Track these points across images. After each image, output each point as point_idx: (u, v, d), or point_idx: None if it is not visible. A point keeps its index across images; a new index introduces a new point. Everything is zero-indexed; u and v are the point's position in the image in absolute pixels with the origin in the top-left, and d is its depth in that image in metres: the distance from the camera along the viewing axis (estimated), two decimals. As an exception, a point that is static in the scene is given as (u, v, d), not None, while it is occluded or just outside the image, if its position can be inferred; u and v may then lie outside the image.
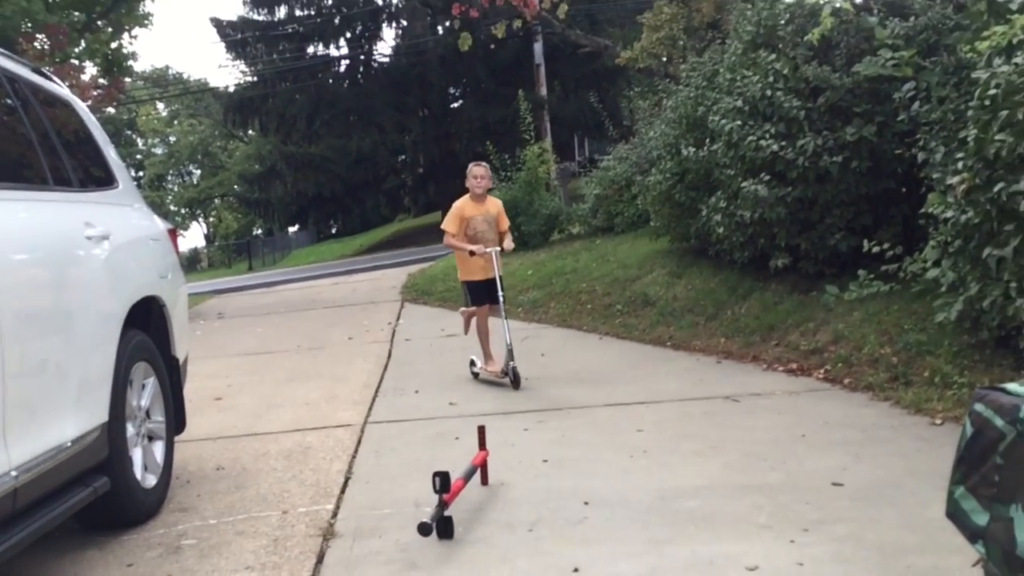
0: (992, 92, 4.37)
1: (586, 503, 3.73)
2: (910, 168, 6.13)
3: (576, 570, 3.06)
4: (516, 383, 6.18)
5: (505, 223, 6.69)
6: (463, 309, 7.17)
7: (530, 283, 10.60)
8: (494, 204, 6.71)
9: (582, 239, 12.69)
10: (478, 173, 6.53)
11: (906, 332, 5.69)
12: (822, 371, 5.92)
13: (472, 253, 6.38)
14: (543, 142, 16.08)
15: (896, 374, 5.37)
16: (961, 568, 2.82)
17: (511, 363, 6.21)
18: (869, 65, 5.98)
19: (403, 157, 33.93)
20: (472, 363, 6.79)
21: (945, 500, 2.20)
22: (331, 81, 30.80)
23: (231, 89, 32.91)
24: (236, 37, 29.86)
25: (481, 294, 6.60)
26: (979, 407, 2.17)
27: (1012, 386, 2.25)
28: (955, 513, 2.18)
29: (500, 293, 6.45)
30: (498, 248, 6.45)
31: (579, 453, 4.52)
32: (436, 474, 3.45)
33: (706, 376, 6.25)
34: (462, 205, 6.56)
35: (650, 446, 4.55)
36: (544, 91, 24.51)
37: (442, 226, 6.62)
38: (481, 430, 4.15)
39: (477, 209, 6.54)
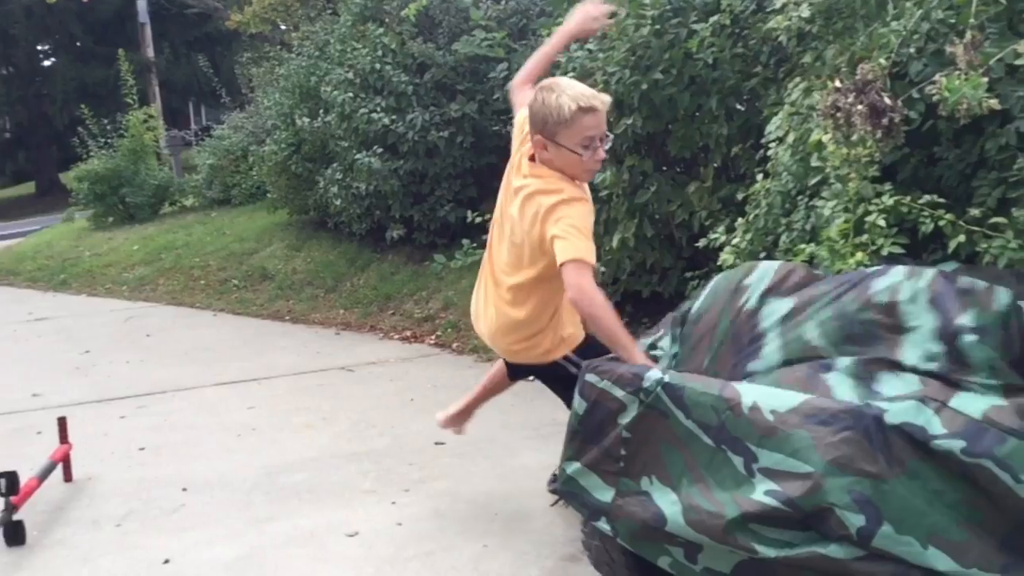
0: (571, 75, 4.78)
1: (184, 489, 3.51)
2: (508, 143, 6.56)
3: (167, 561, 2.87)
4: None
5: None
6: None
7: (136, 259, 9.80)
8: None
9: (196, 212, 11.98)
10: None
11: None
12: (433, 337, 6.16)
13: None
14: (150, 107, 14.83)
15: (497, 336, 5.73)
16: (543, 510, 3.07)
17: None
18: (466, 44, 6.28)
19: (-16, 121, 29.59)
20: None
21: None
22: None
23: None
24: None
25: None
26: (592, 378, 2.12)
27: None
28: (572, 491, 2.12)
29: None
30: None
31: (181, 437, 4.25)
32: (0, 475, 3.03)
33: (323, 348, 6.21)
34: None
35: (260, 423, 4.41)
36: (151, 52, 22.65)
37: (576, 256, 2.46)
38: (62, 422, 3.72)
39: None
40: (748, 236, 3.00)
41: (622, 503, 2.05)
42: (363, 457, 3.80)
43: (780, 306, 2.20)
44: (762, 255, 3.00)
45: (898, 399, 1.81)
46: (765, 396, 1.89)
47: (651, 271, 4.78)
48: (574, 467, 2.12)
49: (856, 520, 1.72)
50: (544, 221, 2.47)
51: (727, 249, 3.10)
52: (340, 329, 6.80)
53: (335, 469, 3.67)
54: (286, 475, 3.62)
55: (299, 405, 4.73)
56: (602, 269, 4.93)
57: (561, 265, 2.37)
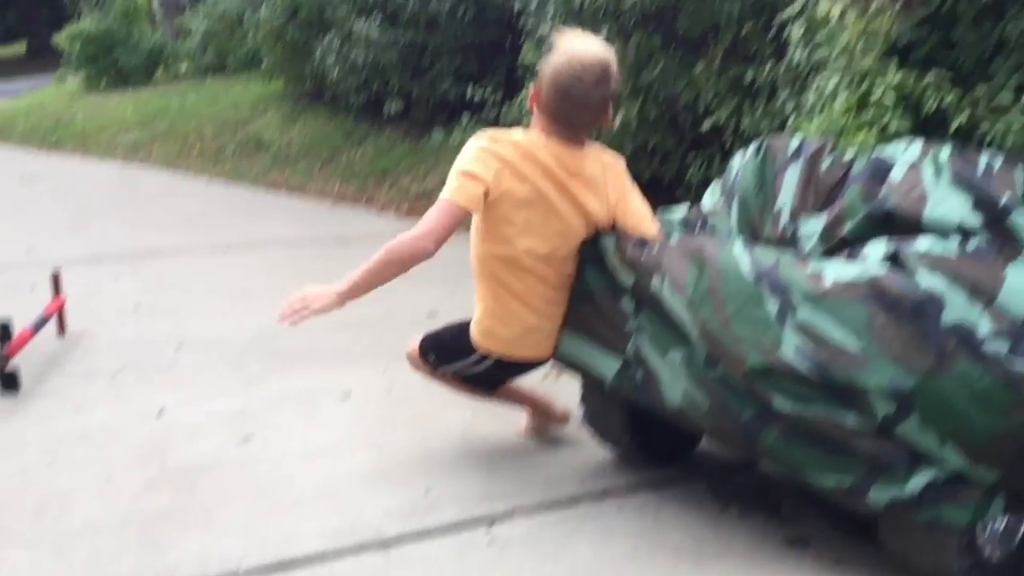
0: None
1: (178, 348, 3.54)
2: (511, 19, 6.37)
3: (161, 412, 2.91)
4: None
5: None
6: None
7: (130, 123, 9.64)
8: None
9: (190, 79, 11.71)
10: None
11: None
12: (429, 213, 6.12)
13: None
14: (144, -33, 14.35)
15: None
16: (534, 381, 3.10)
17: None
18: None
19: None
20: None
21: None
22: None
23: None
24: None
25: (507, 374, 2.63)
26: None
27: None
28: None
29: None
30: None
31: (175, 299, 4.26)
32: (-7, 324, 3.05)
33: (318, 220, 6.19)
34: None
35: (253, 289, 4.42)
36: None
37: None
38: (55, 275, 3.72)
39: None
40: (757, 117, 2.94)
41: (640, 286, 2.09)
42: (356, 325, 3.81)
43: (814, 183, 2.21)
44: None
45: (947, 293, 1.76)
46: (830, 265, 1.87)
47: (652, 153, 4.71)
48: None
49: (886, 408, 1.72)
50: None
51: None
52: (335, 202, 6.76)
53: (328, 335, 3.69)
54: (280, 339, 3.64)
55: (293, 273, 4.72)
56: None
57: None
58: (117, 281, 4.59)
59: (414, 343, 2.61)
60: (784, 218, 2.28)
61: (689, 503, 2.32)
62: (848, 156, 2.27)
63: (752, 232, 2.34)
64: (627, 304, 2.16)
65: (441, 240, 2.25)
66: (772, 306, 1.83)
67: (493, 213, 2.30)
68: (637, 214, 2.33)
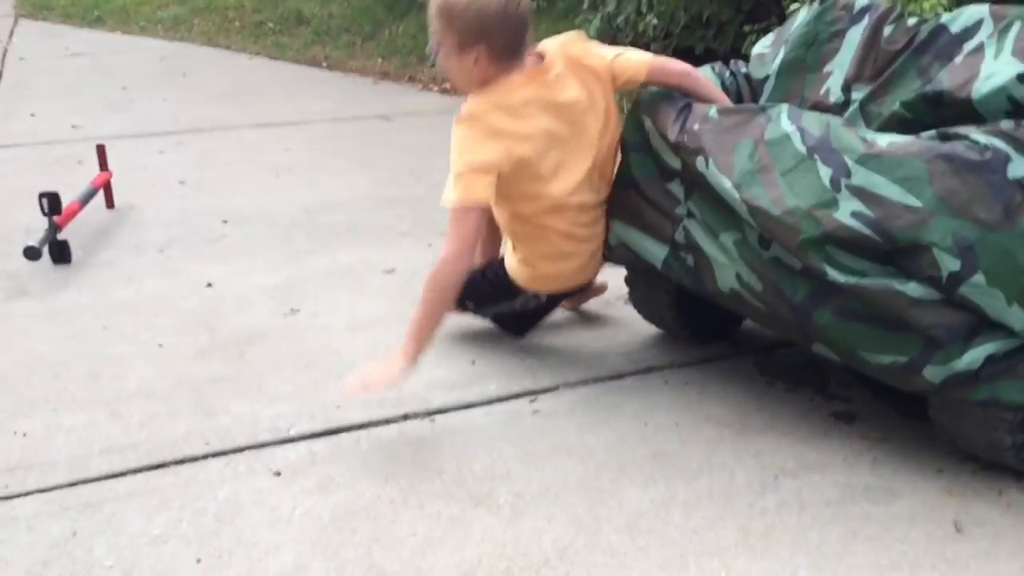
0: None
1: (225, 222, 3.55)
2: None
3: (209, 284, 2.94)
4: None
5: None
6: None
7: (170, -3, 9.49)
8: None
9: (230, -50, 11.44)
10: None
11: (551, 51, 5.87)
12: (473, 90, 6.00)
13: None
14: None
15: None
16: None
17: None
18: None
19: None
20: None
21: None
22: None
23: None
24: None
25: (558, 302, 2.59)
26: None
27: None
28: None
29: None
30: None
31: (220, 173, 4.26)
32: (42, 195, 3.07)
33: (360, 96, 6.10)
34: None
35: (297, 165, 4.40)
36: None
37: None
38: (101, 149, 3.73)
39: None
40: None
41: (687, 168, 2.01)
42: (400, 202, 3.80)
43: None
44: None
45: (1011, 152, 1.67)
46: (883, 134, 1.79)
47: (707, 24, 4.51)
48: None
49: (952, 264, 1.64)
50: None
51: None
52: (378, 78, 6.65)
53: (372, 212, 3.68)
54: (325, 214, 3.65)
55: (336, 150, 4.70)
56: (653, 22, 4.67)
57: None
58: (162, 155, 4.59)
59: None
60: (834, 82, 2.17)
61: (734, 378, 2.31)
62: (912, 22, 2.14)
63: (791, 88, 2.23)
64: (676, 188, 2.08)
65: (474, 247, 2.08)
66: (825, 173, 1.76)
67: (516, 178, 2.12)
68: (632, 61, 2.19)
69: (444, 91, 6.11)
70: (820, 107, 2.17)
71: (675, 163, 2.05)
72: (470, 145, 2.05)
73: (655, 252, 2.15)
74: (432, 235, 3.34)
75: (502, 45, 2.07)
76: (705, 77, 2.25)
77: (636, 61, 2.20)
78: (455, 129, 2.10)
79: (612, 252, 2.30)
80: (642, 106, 2.16)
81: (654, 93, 2.17)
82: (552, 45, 2.22)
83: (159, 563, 1.66)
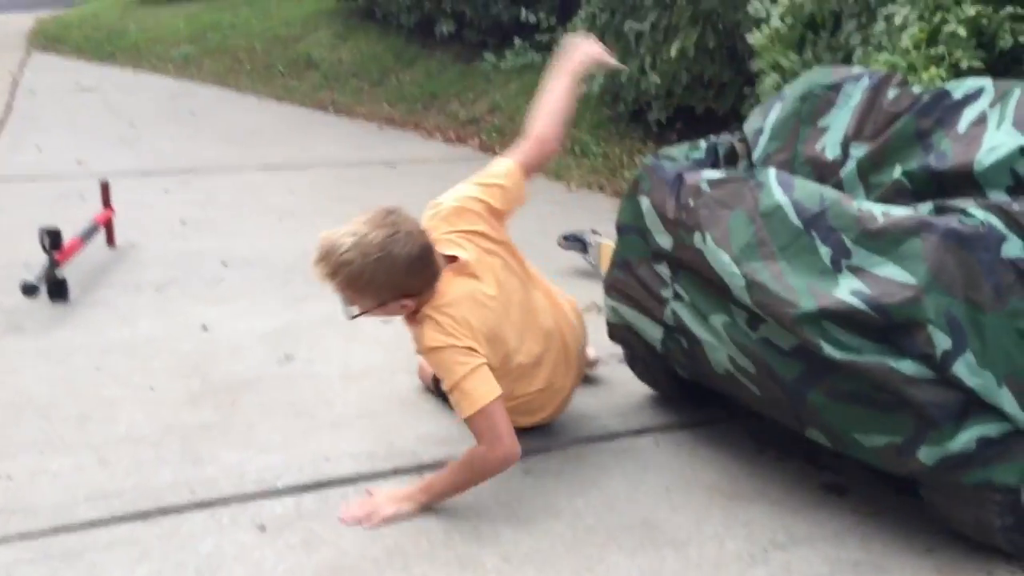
0: None
1: (224, 264, 3.57)
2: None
3: (205, 328, 2.94)
4: None
5: None
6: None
7: (182, 37, 9.60)
8: None
9: (243, -7, 11.61)
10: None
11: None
12: (477, 140, 6.05)
13: None
14: None
15: (542, 143, 5.61)
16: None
17: None
18: None
19: None
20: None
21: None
22: None
23: None
24: None
25: None
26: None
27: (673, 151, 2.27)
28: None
29: None
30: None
31: (223, 214, 4.28)
32: (44, 231, 3.08)
33: (366, 142, 6.15)
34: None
35: (300, 208, 4.42)
36: None
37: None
38: (105, 186, 3.75)
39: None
40: (819, 49, 2.82)
41: (679, 246, 2.02)
42: (399, 249, 3.81)
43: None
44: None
45: (1006, 231, 1.69)
46: (879, 205, 1.80)
47: (708, 85, 4.58)
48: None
49: (944, 342, 1.65)
50: None
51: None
52: (383, 124, 6.70)
53: (371, 258, 3.69)
54: (323, 259, 3.65)
55: (340, 195, 4.72)
56: (656, 81, 4.73)
57: None
58: (166, 194, 4.62)
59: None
60: (831, 139, 2.17)
61: (726, 444, 2.30)
62: (917, 90, 2.16)
63: (785, 141, 2.24)
64: (663, 270, 2.09)
65: (513, 433, 1.99)
66: (825, 253, 1.77)
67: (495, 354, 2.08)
68: (500, 173, 2.23)
69: (448, 140, 6.16)
70: (816, 163, 2.18)
71: (666, 243, 2.06)
72: (460, 358, 1.98)
73: (652, 333, 2.16)
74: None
75: (421, 285, 2.04)
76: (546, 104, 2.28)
77: (504, 171, 2.21)
78: (431, 357, 2.03)
79: (612, 331, 2.32)
80: (639, 187, 2.17)
81: (647, 167, 2.18)
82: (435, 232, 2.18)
83: (137, 617, 1.64)
